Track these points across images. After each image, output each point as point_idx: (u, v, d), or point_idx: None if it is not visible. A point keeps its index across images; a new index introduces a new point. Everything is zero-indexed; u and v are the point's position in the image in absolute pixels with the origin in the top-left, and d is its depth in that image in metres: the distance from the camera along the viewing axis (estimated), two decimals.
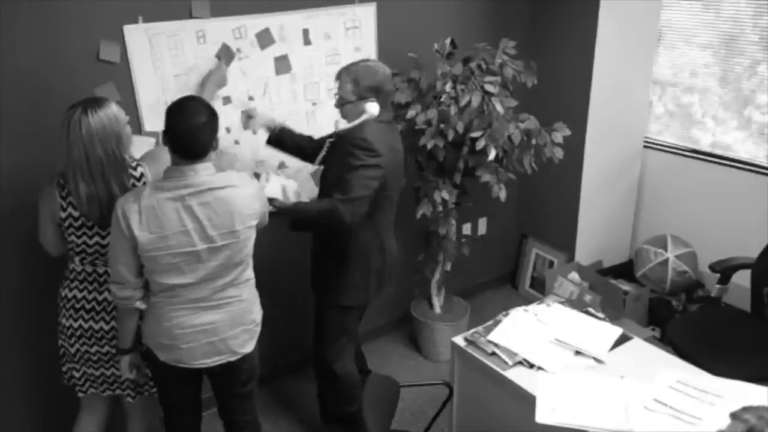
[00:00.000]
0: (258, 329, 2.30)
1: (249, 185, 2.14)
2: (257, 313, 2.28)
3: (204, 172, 2.03)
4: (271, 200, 2.34)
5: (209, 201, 2.02)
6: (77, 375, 2.37)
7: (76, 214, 2.17)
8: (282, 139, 2.77)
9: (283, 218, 2.41)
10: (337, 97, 2.51)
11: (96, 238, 2.20)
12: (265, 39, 2.81)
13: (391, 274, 2.73)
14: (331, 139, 2.60)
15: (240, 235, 2.08)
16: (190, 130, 1.99)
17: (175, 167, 2.03)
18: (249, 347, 2.25)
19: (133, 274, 2.07)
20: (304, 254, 2.75)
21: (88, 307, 2.26)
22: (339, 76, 2.49)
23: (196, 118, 2.00)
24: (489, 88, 2.90)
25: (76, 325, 2.27)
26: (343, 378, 2.73)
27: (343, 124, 2.48)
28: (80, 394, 2.42)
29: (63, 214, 2.17)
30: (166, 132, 2.02)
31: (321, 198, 2.60)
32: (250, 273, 2.22)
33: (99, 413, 2.50)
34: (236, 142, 2.86)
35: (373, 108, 2.43)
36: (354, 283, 2.60)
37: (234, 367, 2.25)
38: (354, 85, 2.44)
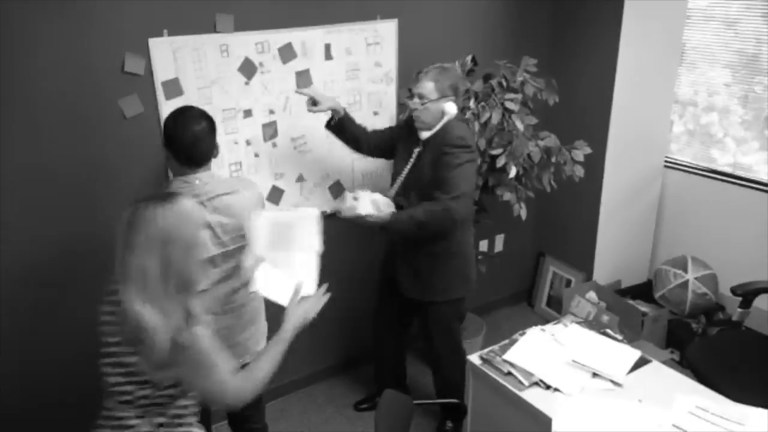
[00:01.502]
0: (266, 327, 2.31)
1: (249, 188, 2.18)
2: (264, 312, 2.30)
3: (209, 180, 2.06)
4: (363, 216, 2.40)
5: (219, 207, 2.04)
6: None
7: None
8: (343, 126, 2.79)
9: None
10: (416, 98, 2.54)
11: None
12: (287, 53, 2.83)
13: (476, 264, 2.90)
14: (418, 148, 2.62)
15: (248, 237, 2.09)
16: (194, 137, 2.02)
17: (182, 178, 2.05)
18: (262, 345, 2.26)
19: None
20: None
21: None
22: (418, 78, 2.56)
23: (196, 125, 2.03)
24: (509, 105, 2.90)
25: None
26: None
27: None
28: None
29: None
30: (168, 142, 2.05)
31: (402, 201, 2.61)
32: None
33: None
34: (256, 155, 2.88)
35: (452, 107, 2.53)
36: (462, 275, 2.73)
37: None
38: (435, 83, 2.51)
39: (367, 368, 3.31)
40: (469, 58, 3.06)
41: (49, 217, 2.47)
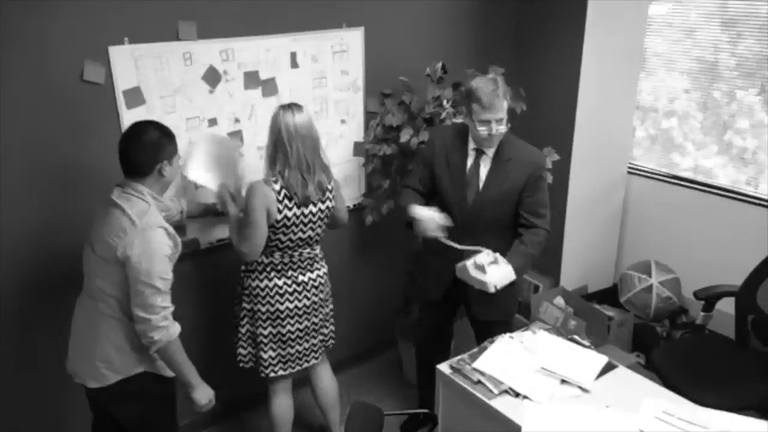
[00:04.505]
0: (107, 375, 2.18)
1: (137, 226, 2.06)
2: (114, 360, 2.18)
3: (128, 189, 2.11)
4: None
5: (105, 213, 2.10)
6: (265, 356, 2.63)
7: (290, 213, 2.44)
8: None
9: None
10: (495, 123, 2.41)
11: (299, 234, 2.51)
12: (252, 62, 2.80)
13: None
14: (485, 167, 2.53)
15: (99, 261, 2.11)
16: (131, 147, 2.09)
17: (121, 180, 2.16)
18: (92, 383, 2.22)
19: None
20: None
21: (290, 290, 2.57)
22: (500, 96, 2.38)
23: (139, 137, 2.08)
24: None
25: (282, 308, 2.57)
26: None
27: None
28: (263, 375, 2.67)
29: (279, 216, 2.43)
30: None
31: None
32: (110, 310, 2.13)
33: (288, 390, 2.77)
34: None
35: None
36: (517, 294, 2.81)
37: (102, 404, 2.29)
38: (506, 100, 2.43)
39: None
40: (439, 65, 3.07)
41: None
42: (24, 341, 2.56)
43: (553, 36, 3.56)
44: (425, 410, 2.75)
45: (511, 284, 2.47)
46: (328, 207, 2.56)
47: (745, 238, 3.39)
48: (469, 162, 2.55)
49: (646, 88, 3.78)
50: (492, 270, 2.35)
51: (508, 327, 2.71)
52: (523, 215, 2.54)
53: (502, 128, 2.43)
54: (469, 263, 2.38)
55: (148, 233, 2.03)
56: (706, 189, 3.61)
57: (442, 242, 2.46)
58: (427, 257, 2.78)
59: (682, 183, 3.71)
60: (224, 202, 2.58)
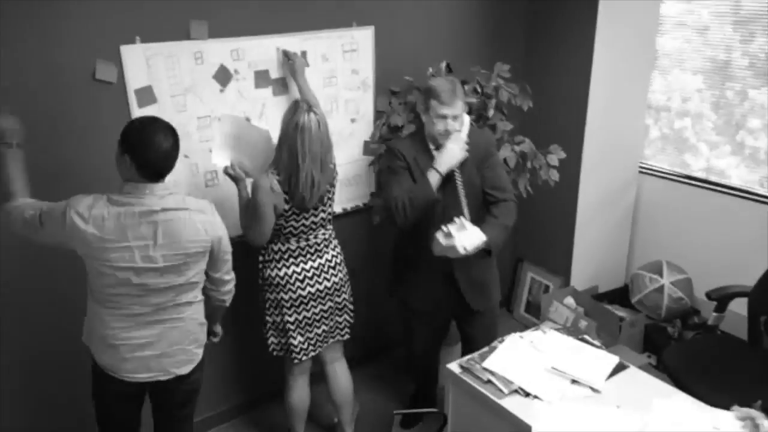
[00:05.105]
0: (199, 352, 2.26)
1: (203, 211, 2.12)
2: (199, 336, 2.25)
3: (160, 193, 2.04)
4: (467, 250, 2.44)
5: (158, 221, 2.02)
6: (295, 342, 2.66)
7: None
8: None
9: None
10: (451, 119, 2.52)
11: (311, 218, 2.57)
12: (262, 60, 2.80)
13: None
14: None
15: (184, 259, 2.07)
16: (165, 153, 2.01)
17: (134, 185, 2.02)
18: (185, 369, 2.22)
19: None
20: None
21: (309, 275, 2.62)
22: (456, 95, 2.50)
23: (166, 141, 2.01)
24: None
25: (305, 293, 2.62)
26: None
27: None
28: (296, 362, 2.71)
29: (287, 206, 2.48)
30: (132, 150, 1.99)
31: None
32: (193, 296, 2.19)
33: (307, 375, 2.82)
34: None
35: (466, 115, 2.63)
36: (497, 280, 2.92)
37: (169, 387, 2.22)
38: (462, 100, 2.57)
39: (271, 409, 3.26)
40: (443, 64, 3.07)
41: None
42: (27, 343, 2.58)
43: (563, 34, 3.55)
44: (435, 410, 2.75)
45: (493, 269, 2.76)
46: (332, 186, 2.61)
47: (758, 238, 3.36)
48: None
49: (659, 88, 3.76)
50: (460, 234, 2.44)
51: (497, 313, 2.93)
52: (489, 192, 2.64)
53: (457, 125, 2.53)
54: (438, 234, 2.45)
55: (212, 209, 2.17)
56: (719, 189, 3.58)
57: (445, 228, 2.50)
58: (414, 268, 2.77)
59: (694, 183, 3.68)
60: (234, 179, 2.58)
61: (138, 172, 2.00)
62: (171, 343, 2.16)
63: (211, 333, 2.42)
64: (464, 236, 2.43)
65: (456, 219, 2.46)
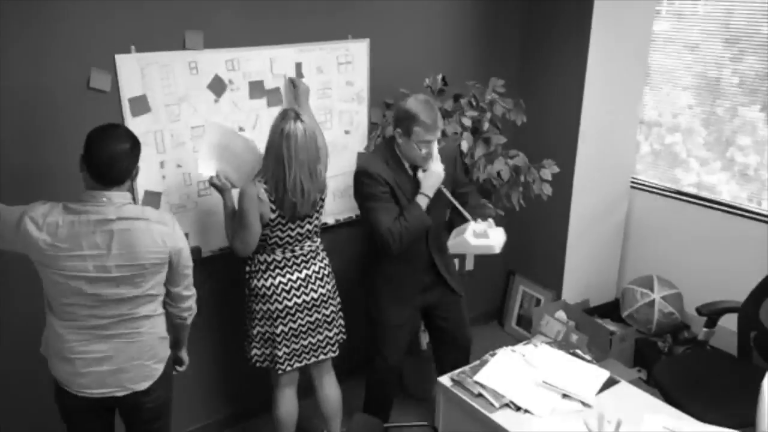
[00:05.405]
0: (159, 368, 2.20)
1: (164, 222, 2.08)
2: (159, 351, 2.19)
3: (118, 201, 2.01)
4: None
5: (114, 230, 1.99)
6: (280, 353, 2.63)
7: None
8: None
9: None
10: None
11: (297, 229, 2.55)
12: (257, 71, 2.81)
13: None
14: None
15: (140, 270, 2.03)
16: (110, 156, 1.97)
17: (91, 193, 2.00)
18: (143, 385, 2.17)
19: None
20: None
21: (296, 285, 2.60)
22: (439, 117, 2.53)
23: (117, 145, 1.99)
24: (466, 122, 2.96)
25: (291, 303, 2.60)
26: None
27: None
28: (279, 372, 2.67)
29: (273, 216, 2.47)
30: (85, 156, 1.99)
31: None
32: (152, 309, 2.14)
33: (294, 387, 2.79)
34: None
35: None
36: None
37: (135, 403, 2.18)
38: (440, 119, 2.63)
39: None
40: (439, 77, 3.09)
41: None
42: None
43: (557, 49, 3.58)
44: (425, 423, 2.74)
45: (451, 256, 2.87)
46: (322, 199, 2.61)
47: (748, 254, 3.38)
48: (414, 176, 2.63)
49: (651, 103, 3.79)
50: (493, 233, 2.48)
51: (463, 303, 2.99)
52: (462, 191, 2.76)
53: (437, 144, 2.56)
54: (467, 235, 2.46)
55: (173, 221, 2.13)
56: (709, 205, 3.61)
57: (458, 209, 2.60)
58: (390, 281, 2.77)
59: (685, 198, 3.71)
60: (219, 189, 2.58)
61: (91, 177, 1.99)
62: (129, 357, 2.11)
63: (176, 361, 2.37)
64: (498, 234, 2.49)
65: (479, 220, 2.50)
